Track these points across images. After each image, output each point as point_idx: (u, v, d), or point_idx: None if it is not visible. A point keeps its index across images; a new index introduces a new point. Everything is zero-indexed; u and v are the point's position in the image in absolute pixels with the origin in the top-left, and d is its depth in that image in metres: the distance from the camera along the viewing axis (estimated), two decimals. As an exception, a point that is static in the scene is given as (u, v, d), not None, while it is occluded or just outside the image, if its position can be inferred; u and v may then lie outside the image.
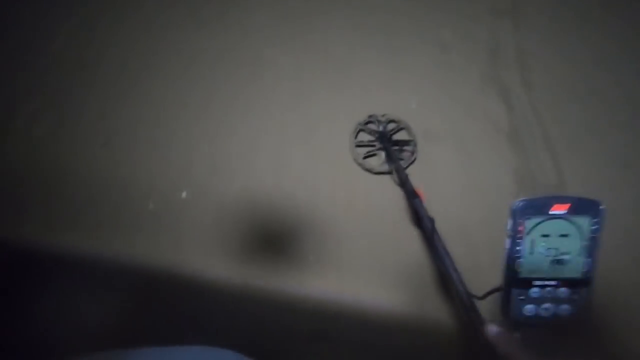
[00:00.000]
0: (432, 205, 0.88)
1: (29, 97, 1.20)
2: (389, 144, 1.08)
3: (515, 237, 0.42)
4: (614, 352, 0.41)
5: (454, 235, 0.85)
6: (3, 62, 1.27)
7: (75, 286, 0.98)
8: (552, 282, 0.43)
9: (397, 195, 1.04)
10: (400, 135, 1.12)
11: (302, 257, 1.00)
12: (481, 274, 0.73)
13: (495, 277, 0.50)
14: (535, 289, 0.43)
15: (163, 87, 1.21)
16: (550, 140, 1.12)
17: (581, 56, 1.24)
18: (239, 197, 1.06)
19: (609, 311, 0.88)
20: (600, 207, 0.41)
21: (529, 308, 0.44)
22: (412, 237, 1.00)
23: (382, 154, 1.09)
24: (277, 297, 0.96)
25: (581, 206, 0.41)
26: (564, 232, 0.42)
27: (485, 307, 0.63)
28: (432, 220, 0.83)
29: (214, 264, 1.00)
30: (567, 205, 0.41)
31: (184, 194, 1.04)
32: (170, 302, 0.97)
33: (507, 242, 0.43)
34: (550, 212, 0.41)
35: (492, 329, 0.47)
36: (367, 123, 1.13)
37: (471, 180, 1.07)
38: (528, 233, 0.42)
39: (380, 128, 1.12)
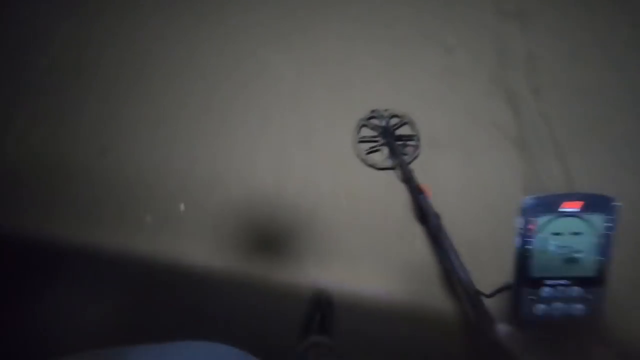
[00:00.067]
0: (438, 201, 0.87)
1: (29, 97, 1.20)
2: (392, 139, 1.07)
3: (526, 235, 0.41)
4: (620, 352, 0.40)
5: (459, 232, 0.84)
6: (3, 62, 1.26)
7: (77, 283, 0.99)
8: (564, 281, 0.42)
9: (401, 191, 1.02)
10: (403, 130, 1.10)
11: (305, 252, 1.00)
12: (488, 271, 0.72)
13: (502, 275, 0.48)
14: (546, 289, 0.42)
15: (163, 86, 1.20)
16: (559, 145, 1.08)
17: (590, 58, 1.20)
18: (242, 193, 1.06)
19: (617, 310, 0.87)
20: (614, 204, 0.40)
21: (540, 308, 0.42)
22: (416, 234, 0.99)
23: (386, 150, 1.07)
24: (281, 292, 0.96)
25: (594, 203, 0.40)
26: (576, 230, 0.40)
27: (493, 305, 0.62)
28: (438, 217, 0.82)
29: (218, 260, 1.00)
30: (580, 203, 0.40)
31: (182, 207, 1.03)
32: (171, 298, 0.98)
33: (518, 241, 0.42)
34: (563, 210, 0.40)
35: (501, 328, 0.46)
36: (369, 118, 1.11)
37: (476, 179, 1.06)
38: (539, 231, 0.41)
39: (383, 123, 1.10)
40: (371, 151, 1.08)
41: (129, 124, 1.16)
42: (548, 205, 0.40)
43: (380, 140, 1.08)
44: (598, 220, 0.40)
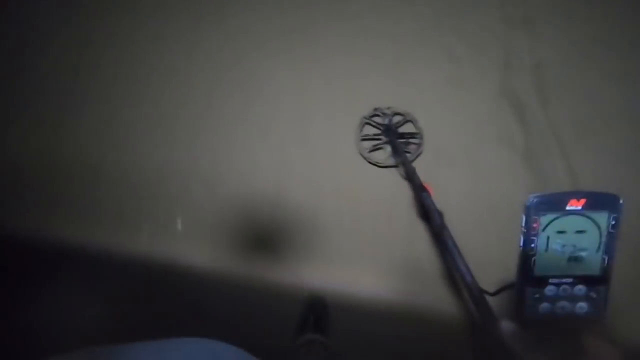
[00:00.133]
0: (440, 199, 0.87)
1: (29, 98, 1.20)
2: (394, 137, 1.06)
3: (530, 233, 0.41)
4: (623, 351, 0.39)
5: (463, 230, 0.84)
6: (3, 63, 1.26)
7: (76, 282, 0.99)
8: (569, 280, 0.41)
9: (404, 189, 1.02)
10: (406, 128, 1.10)
11: (307, 251, 1.00)
12: (491, 269, 0.72)
13: (505, 273, 0.48)
14: (550, 287, 0.42)
15: (163, 86, 1.20)
16: (569, 158, 1.05)
17: (599, 66, 1.16)
18: (243, 192, 1.06)
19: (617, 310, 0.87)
20: (619, 202, 0.39)
21: (544, 307, 0.42)
22: (419, 231, 0.99)
23: (388, 147, 1.07)
24: (281, 291, 0.97)
25: (599, 201, 0.39)
26: (580, 228, 0.40)
27: (497, 304, 0.62)
28: (441, 214, 0.81)
29: (217, 259, 1.01)
30: (583, 201, 0.39)
31: (179, 225, 1.02)
32: (170, 297, 0.98)
33: (521, 239, 0.41)
34: (567, 208, 0.40)
35: (505, 325, 0.46)
36: (372, 116, 1.11)
37: (480, 180, 1.05)
38: (543, 230, 0.40)
39: (386, 121, 1.10)
40: (374, 149, 1.08)
41: (130, 124, 1.16)
42: (552, 203, 0.40)
43: (383, 138, 1.08)
44: (602, 218, 0.40)
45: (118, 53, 1.25)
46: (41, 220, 1.06)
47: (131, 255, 1.01)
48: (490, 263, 0.76)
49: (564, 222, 0.40)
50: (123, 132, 1.15)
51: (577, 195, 0.39)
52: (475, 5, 1.24)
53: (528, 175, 1.05)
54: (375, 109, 1.11)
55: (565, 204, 0.40)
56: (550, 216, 0.40)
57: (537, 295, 0.42)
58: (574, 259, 0.41)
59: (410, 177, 0.95)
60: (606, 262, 0.41)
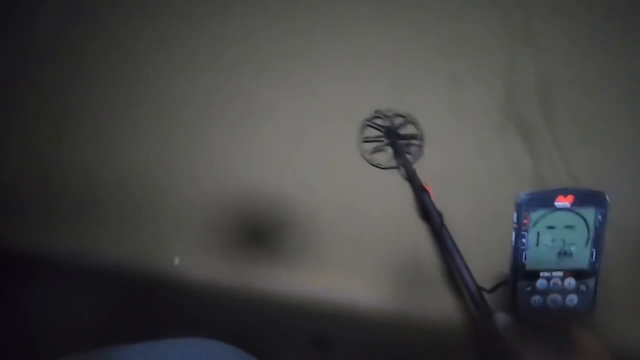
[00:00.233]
0: (440, 199, 0.89)
1: (30, 99, 1.22)
2: (396, 139, 1.08)
3: (521, 229, 0.43)
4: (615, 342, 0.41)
5: (462, 229, 0.85)
6: (3, 63, 1.28)
7: (67, 285, 0.98)
8: (559, 274, 0.43)
9: (405, 190, 1.04)
10: (407, 130, 1.12)
11: (308, 253, 1.01)
12: (489, 268, 0.73)
13: (502, 271, 0.50)
14: (541, 281, 0.43)
15: (162, 88, 1.21)
16: (579, 182, 1.03)
17: (607, 86, 1.13)
18: (245, 194, 1.07)
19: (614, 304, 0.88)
20: (605, 198, 0.41)
21: (535, 299, 0.44)
22: (420, 232, 1.00)
23: (390, 149, 1.09)
24: (282, 296, 0.97)
25: (586, 197, 0.41)
26: (569, 224, 0.42)
27: (494, 301, 0.63)
28: (440, 215, 0.83)
29: (217, 259, 1.01)
30: (571, 197, 0.41)
31: (176, 261, 1.02)
32: (162, 300, 0.98)
33: (513, 235, 0.43)
34: (555, 204, 0.42)
35: (500, 317, 0.48)
36: (374, 118, 1.13)
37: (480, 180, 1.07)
38: (533, 225, 0.42)
39: (388, 123, 1.12)
40: (375, 151, 1.09)
41: (128, 127, 1.17)
42: (541, 200, 0.42)
43: (385, 140, 1.10)
44: (589, 214, 0.42)
45: (119, 56, 1.27)
46: (35, 226, 1.07)
47: (127, 259, 1.02)
48: (489, 262, 0.77)
49: (553, 218, 0.42)
50: (120, 136, 1.16)
51: (565, 192, 0.41)
52: (478, 23, 1.23)
53: (528, 177, 1.06)
54: (377, 111, 1.13)
55: (554, 201, 0.42)
56: (540, 212, 0.42)
57: (528, 289, 0.44)
58: (564, 254, 0.43)
59: (411, 178, 0.97)
60: (594, 256, 0.43)
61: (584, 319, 0.44)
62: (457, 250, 0.73)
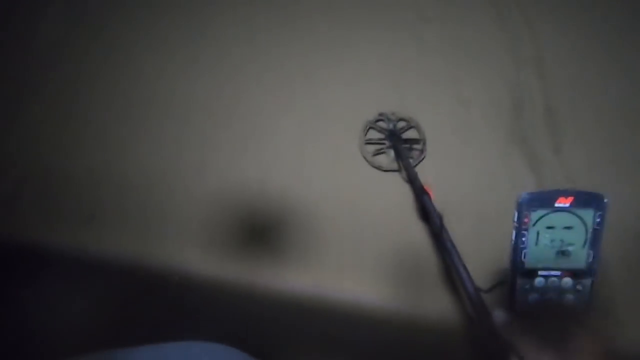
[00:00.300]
0: (440, 202, 0.90)
1: (31, 100, 1.23)
2: (398, 142, 1.10)
3: (521, 228, 0.44)
4: (612, 340, 0.42)
5: (461, 232, 0.86)
6: (5, 62, 1.29)
7: (70, 286, 0.99)
8: (557, 273, 0.45)
9: (405, 192, 1.05)
10: (410, 134, 1.13)
11: (308, 254, 1.02)
12: (487, 269, 0.75)
13: (500, 273, 0.51)
14: (540, 279, 0.45)
15: (164, 87, 1.22)
16: (577, 184, 1.02)
17: (616, 110, 1.11)
18: (248, 195, 1.08)
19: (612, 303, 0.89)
20: (604, 200, 0.43)
21: (533, 297, 0.45)
22: (420, 233, 1.01)
23: (392, 152, 1.10)
24: (282, 296, 0.98)
25: (585, 199, 0.43)
26: (568, 225, 0.43)
27: (491, 301, 0.64)
28: (440, 217, 0.85)
29: (217, 263, 1.01)
30: (571, 199, 0.43)
31: (176, 279, 1.01)
32: (165, 299, 0.98)
33: (513, 233, 0.45)
34: (555, 205, 0.43)
35: (498, 315, 0.49)
36: (377, 121, 1.15)
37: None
38: (533, 225, 0.44)
39: (391, 126, 1.13)
40: (377, 153, 1.11)
41: (131, 127, 1.18)
42: (542, 200, 0.43)
43: (387, 143, 1.11)
44: (588, 215, 0.43)
45: (123, 58, 1.28)
46: (36, 223, 1.07)
47: (128, 259, 1.02)
48: (486, 263, 0.78)
49: (553, 218, 0.43)
50: (124, 137, 1.17)
51: (565, 193, 0.43)
52: (485, 46, 1.22)
53: (529, 180, 1.07)
54: (380, 114, 1.14)
55: (554, 201, 0.43)
56: (540, 212, 0.43)
57: (527, 286, 0.45)
58: (562, 253, 0.44)
59: (412, 180, 0.99)
60: (591, 256, 0.44)
61: (581, 317, 0.46)
62: (456, 250, 0.74)
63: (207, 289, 0.99)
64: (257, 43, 1.27)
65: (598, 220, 0.43)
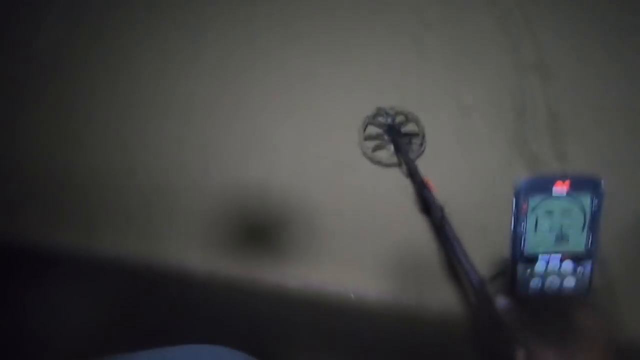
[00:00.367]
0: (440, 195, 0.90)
1: (37, 100, 1.24)
2: (397, 136, 1.10)
3: (519, 215, 0.44)
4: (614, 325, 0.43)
5: (462, 224, 0.87)
6: (7, 63, 1.30)
7: (73, 286, 0.99)
8: (557, 257, 0.45)
9: (406, 186, 1.06)
10: (408, 128, 1.14)
11: (310, 251, 1.02)
12: (490, 259, 0.75)
13: (502, 262, 0.52)
14: (540, 264, 0.45)
15: (170, 84, 1.24)
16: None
17: (619, 114, 1.09)
18: (249, 193, 1.09)
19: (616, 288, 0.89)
20: (601, 184, 0.43)
21: (534, 282, 0.46)
22: (421, 227, 1.01)
23: (391, 147, 1.11)
24: (282, 292, 0.98)
25: (582, 184, 0.43)
26: (566, 209, 0.44)
27: (494, 289, 0.65)
28: (441, 209, 0.85)
29: (220, 261, 1.02)
30: (568, 183, 0.43)
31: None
32: (164, 299, 0.99)
33: (512, 221, 0.45)
34: (553, 190, 0.43)
35: (501, 301, 0.49)
36: (375, 116, 1.15)
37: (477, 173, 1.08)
38: (532, 211, 0.44)
39: (389, 121, 1.14)
40: (377, 148, 1.11)
41: (130, 123, 1.19)
42: (539, 186, 0.44)
43: (386, 137, 1.12)
44: (586, 199, 0.43)
45: (125, 59, 1.29)
46: (38, 224, 1.08)
47: (129, 259, 1.03)
48: (489, 253, 0.79)
49: (551, 204, 0.44)
50: (127, 136, 1.18)
51: (562, 178, 0.43)
52: (487, 51, 1.21)
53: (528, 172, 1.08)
54: (378, 109, 1.15)
55: (552, 187, 0.43)
56: (537, 198, 0.44)
57: (527, 272, 0.46)
58: (561, 238, 0.45)
59: (412, 174, 0.99)
60: (591, 240, 0.44)
61: (583, 300, 0.46)
62: (458, 240, 0.75)
63: (210, 287, 1.00)
64: (257, 44, 1.28)
65: (596, 203, 0.43)
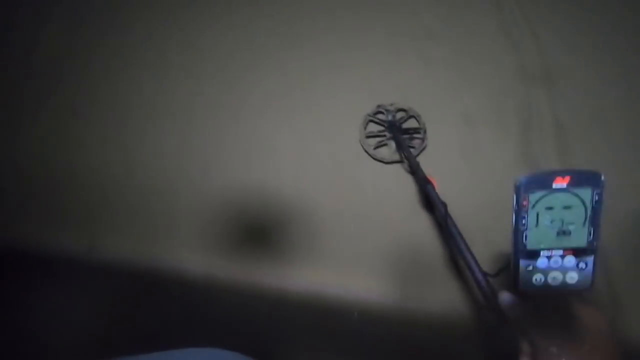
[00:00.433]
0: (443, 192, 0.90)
1: (34, 100, 1.24)
2: (398, 133, 1.10)
3: (521, 211, 0.44)
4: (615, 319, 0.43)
5: (465, 220, 0.86)
6: (7, 63, 1.31)
7: (67, 287, 1.00)
8: (559, 252, 0.45)
9: (409, 183, 1.05)
10: (409, 124, 1.14)
11: (314, 250, 1.02)
12: (493, 255, 0.75)
13: (505, 258, 0.52)
14: (542, 259, 0.45)
15: (171, 85, 1.24)
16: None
17: (627, 126, 1.07)
18: (250, 192, 1.09)
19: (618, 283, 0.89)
20: (601, 178, 0.43)
21: (537, 278, 0.46)
22: (425, 225, 1.01)
23: (393, 144, 1.11)
24: (283, 294, 0.98)
25: (582, 178, 0.43)
26: (567, 204, 0.44)
27: (497, 285, 0.65)
28: (444, 205, 0.85)
29: (217, 262, 1.01)
30: (568, 178, 0.43)
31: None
32: (164, 301, 0.98)
33: (513, 217, 0.45)
34: (553, 185, 0.43)
35: (504, 297, 0.49)
36: (376, 113, 1.15)
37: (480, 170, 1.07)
38: (532, 207, 0.44)
39: (390, 117, 1.13)
40: (379, 146, 1.11)
41: (130, 123, 1.19)
42: (539, 182, 0.44)
43: (387, 134, 1.12)
44: (586, 194, 0.43)
45: (126, 59, 1.29)
46: (39, 226, 1.08)
47: (128, 261, 1.02)
48: (492, 250, 0.79)
49: (552, 199, 0.44)
50: (126, 138, 1.18)
51: (562, 173, 0.43)
52: (489, 53, 1.20)
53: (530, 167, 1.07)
54: (379, 106, 1.15)
55: (552, 182, 0.43)
56: (538, 194, 0.44)
57: (530, 268, 0.46)
58: (563, 233, 0.45)
59: (414, 170, 0.99)
60: (592, 234, 0.44)
61: (585, 295, 0.46)
62: (462, 237, 0.75)
63: (211, 289, 0.99)
64: (258, 45, 1.28)
65: (596, 198, 0.43)
